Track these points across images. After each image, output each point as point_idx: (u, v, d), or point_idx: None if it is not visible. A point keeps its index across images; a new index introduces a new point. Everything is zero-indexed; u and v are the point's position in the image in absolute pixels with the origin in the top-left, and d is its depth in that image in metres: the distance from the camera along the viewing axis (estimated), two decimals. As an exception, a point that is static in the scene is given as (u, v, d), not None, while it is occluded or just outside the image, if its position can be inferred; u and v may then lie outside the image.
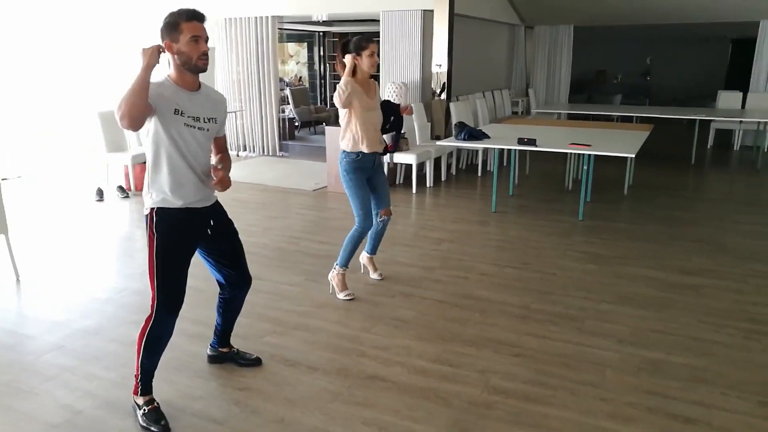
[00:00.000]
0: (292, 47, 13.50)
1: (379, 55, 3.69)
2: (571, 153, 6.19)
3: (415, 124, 7.23)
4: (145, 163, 2.49)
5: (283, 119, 9.78)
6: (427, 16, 7.59)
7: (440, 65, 7.67)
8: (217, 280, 2.79)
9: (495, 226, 5.48)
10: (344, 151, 3.64)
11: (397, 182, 7.13)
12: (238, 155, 9.33)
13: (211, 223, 2.56)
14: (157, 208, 2.42)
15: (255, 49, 8.81)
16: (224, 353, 2.97)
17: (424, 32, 7.70)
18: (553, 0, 10.29)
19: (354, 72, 3.53)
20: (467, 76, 8.97)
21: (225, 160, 2.62)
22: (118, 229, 5.67)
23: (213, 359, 2.98)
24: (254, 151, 9.34)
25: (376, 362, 3.00)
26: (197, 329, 3.32)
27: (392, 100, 3.72)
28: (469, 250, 4.78)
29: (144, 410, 2.49)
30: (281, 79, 12.90)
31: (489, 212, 5.88)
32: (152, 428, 2.45)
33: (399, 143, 4.21)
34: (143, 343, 2.47)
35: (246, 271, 2.81)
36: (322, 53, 13.67)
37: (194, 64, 2.35)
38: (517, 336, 3.29)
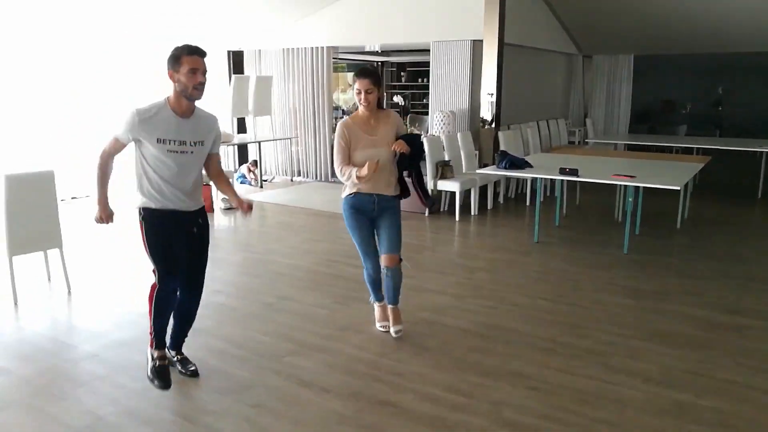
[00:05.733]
0: (351, 77, 13.85)
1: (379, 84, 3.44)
2: (621, 184, 6.01)
3: (461, 152, 7.24)
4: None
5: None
6: (477, 45, 7.65)
7: (492, 94, 7.68)
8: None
9: (535, 256, 5.38)
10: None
11: (441, 210, 7.14)
12: (291, 180, 9.61)
13: (195, 231, 2.96)
14: (143, 207, 2.87)
15: (311, 78, 9.12)
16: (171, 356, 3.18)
17: (474, 62, 7.76)
18: (611, 29, 10.12)
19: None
20: (519, 104, 8.92)
21: (223, 183, 3.00)
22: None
23: None
24: (308, 177, 9.60)
25: (389, 388, 3.01)
26: (222, 345, 3.44)
27: (421, 133, 3.45)
28: (503, 280, 4.72)
29: (155, 363, 2.93)
30: (340, 108, 13.26)
31: (531, 242, 5.79)
32: (155, 382, 2.94)
33: (419, 182, 3.62)
34: (153, 305, 2.92)
35: (197, 281, 3.04)
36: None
37: (189, 93, 2.74)
38: (538, 369, 3.22)
